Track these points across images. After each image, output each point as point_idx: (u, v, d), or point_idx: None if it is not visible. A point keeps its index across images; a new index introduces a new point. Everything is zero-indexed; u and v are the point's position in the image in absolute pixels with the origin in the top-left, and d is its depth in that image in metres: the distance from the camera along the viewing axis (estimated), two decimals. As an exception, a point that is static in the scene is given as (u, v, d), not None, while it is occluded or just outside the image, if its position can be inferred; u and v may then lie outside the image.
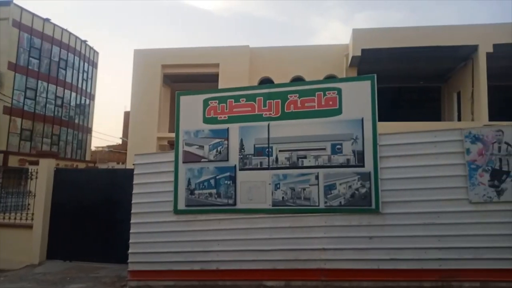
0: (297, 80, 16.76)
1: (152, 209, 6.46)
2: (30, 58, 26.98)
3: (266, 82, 17.30)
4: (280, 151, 6.20)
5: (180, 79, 19.28)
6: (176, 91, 6.97)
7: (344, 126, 5.99)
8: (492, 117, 14.04)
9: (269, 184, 6.13)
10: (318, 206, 5.86)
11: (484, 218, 5.35)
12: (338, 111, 6.04)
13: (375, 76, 5.98)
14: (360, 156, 5.84)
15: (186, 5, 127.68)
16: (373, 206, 5.66)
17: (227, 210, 6.21)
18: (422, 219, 5.52)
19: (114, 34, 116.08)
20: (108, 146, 40.91)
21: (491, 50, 14.33)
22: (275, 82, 16.34)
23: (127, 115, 40.07)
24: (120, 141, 40.44)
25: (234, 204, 6.21)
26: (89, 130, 34.51)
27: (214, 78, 17.49)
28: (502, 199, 5.33)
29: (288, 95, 6.31)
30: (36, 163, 9.08)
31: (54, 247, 8.54)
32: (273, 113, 6.30)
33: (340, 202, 5.80)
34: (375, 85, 5.94)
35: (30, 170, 8.95)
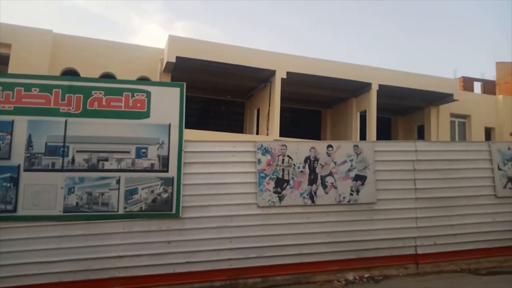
0: (107, 77, 15.78)
1: None
2: None
3: (70, 74, 15.59)
4: (77, 151, 5.67)
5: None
6: None
7: (151, 130, 5.94)
8: (282, 133, 16.44)
9: (62, 188, 5.51)
10: (117, 211, 5.58)
11: (268, 220, 6.13)
12: (146, 114, 5.95)
13: (185, 84, 6.17)
14: (165, 161, 5.88)
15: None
16: (174, 211, 5.76)
17: (6, 218, 5.25)
18: (217, 223, 5.92)
19: None
20: None
21: (285, 76, 16.82)
22: (82, 76, 14.97)
23: None
24: None
25: (15, 210, 5.31)
26: None
27: (4, 60, 14.73)
28: (282, 204, 6.22)
29: (93, 91, 5.86)
30: None
31: None
32: (72, 108, 5.73)
33: (141, 207, 5.68)
34: (184, 92, 6.13)
35: None
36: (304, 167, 6.43)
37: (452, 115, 20.45)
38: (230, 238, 5.93)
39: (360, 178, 6.57)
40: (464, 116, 20.95)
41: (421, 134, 20.33)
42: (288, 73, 16.75)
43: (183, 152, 5.95)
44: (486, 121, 21.04)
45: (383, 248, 6.46)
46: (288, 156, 6.42)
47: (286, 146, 6.47)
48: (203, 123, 17.13)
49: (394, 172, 6.73)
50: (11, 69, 14.41)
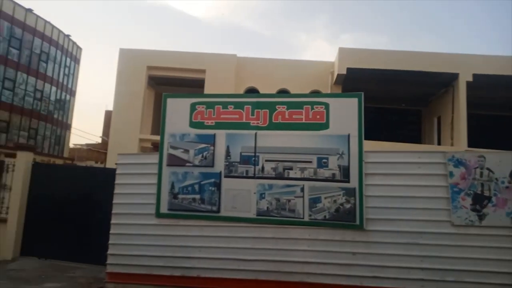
0: (283, 92, 16.92)
1: (134, 210, 6.31)
2: (10, 48, 26.24)
3: (252, 91, 17.40)
4: (266, 160, 6.19)
5: (165, 82, 19.16)
6: (163, 93, 6.88)
7: (331, 141, 6.04)
8: (470, 144, 14.50)
9: (254, 193, 6.10)
10: (303, 218, 5.86)
11: (465, 241, 5.44)
12: (325, 126, 6.09)
13: (362, 94, 6.08)
14: (345, 172, 5.89)
15: (173, 9, 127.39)
16: (357, 222, 5.69)
17: (210, 217, 6.12)
18: (406, 238, 5.57)
19: (98, 33, 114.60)
20: (87, 144, 39.98)
21: (470, 79, 14.87)
22: (261, 92, 16.44)
23: (108, 114, 39.38)
24: (100, 140, 39.62)
25: (218, 211, 6.14)
26: (68, 127, 33.68)
27: (200, 83, 17.46)
28: (483, 224, 5.45)
29: (276, 106, 6.33)
30: (13, 155, 8.74)
31: (29, 244, 8.21)
32: (260, 122, 6.30)
33: (325, 216, 5.81)
34: (362, 102, 6.04)
35: (6, 163, 8.61)
36: (510, 182, 5.49)
37: None
38: (421, 256, 5.49)
39: None
40: None
41: None
42: (475, 75, 14.76)
43: (363, 162, 5.85)
44: None
45: None
46: (487, 169, 5.59)
47: (484, 157, 5.66)
48: (375, 134, 16.52)
49: None
50: (206, 91, 16.93)
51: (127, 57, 17.76)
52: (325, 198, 5.87)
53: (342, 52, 16.27)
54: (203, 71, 17.55)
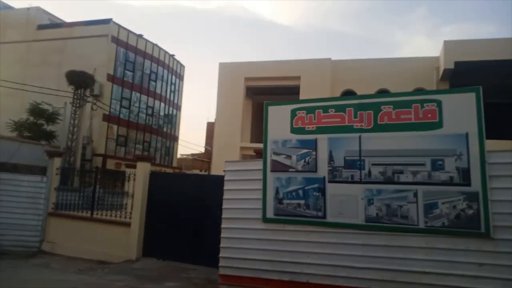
0: (383, 92, 16.14)
1: (242, 215, 6.56)
2: (125, 71, 29.49)
3: (349, 94, 16.92)
4: (373, 164, 5.92)
5: (262, 92, 19.69)
6: (264, 102, 7.04)
7: (446, 141, 5.54)
8: None
9: (362, 198, 5.87)
10: (418, 225, 5.44)
11: None
12: (438, 125, 5.61)
13: (480, 88, 5.48)
14: (465, 174, 5.34)
15: (265, 20, 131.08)
16: (483, 230, 5.10)
17: (317, 223, 6.05)
18: (545, 249, 4.83)
19: (197, 48, 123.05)
20: (192, 154, 43.03)
21: None
22: (359, 94, 15.90)
23: (209, 125, 41.97)
24: (203, 150, 42.36)
25: (324, 217, 6.04)
26: (175, 138, 36.63)
27: (295, 90, 17.58)
28: None
29: (381, 106, 6.03)
30: (132, 166, 9.75)
31: (149, 245, 9.05)
32: (364, 124, 6.06)
33: (443, 223, 5.32)
34: (480, 97, 5.45)
35: (127, 173, 9.67)
36: None
37: None
38: None
39: None
40: None
41: None
42: None
43: (486, 163, 5.23)
44: None
45: None
46: None
47: None
48: (493, 132, 14.75)
49: None
50: (301, 97, 16.96)
51: (226, 71, 18.72)
52: (443, 203, 5.38)
53: (448, 45, 14.97)
54: (298, 78, 17.67)
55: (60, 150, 18.04)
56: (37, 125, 23.72)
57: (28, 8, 30.18)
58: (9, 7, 32.15)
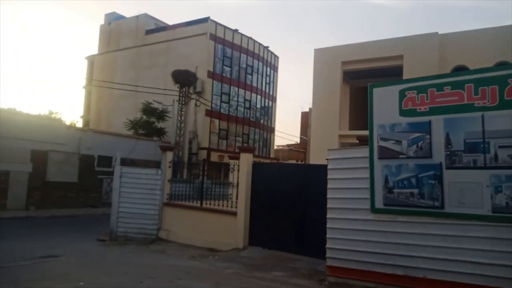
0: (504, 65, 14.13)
1: (348, 205, 6.31)
2: (224, 66, 30.76)
3: (461, 70, 15.17)
4: (500, 147, 5.18)
5: (360, 76, 18.77)
6: (368, 84, 6.61)
7: None
8: None
9: (487, 186, 5.17)
10: (562, 217, 4.61)
11: None
12: None
13: None
14: None
15: (357, 1, 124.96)
16: None
17: (433, 213, 5.52)
18: None
19: (290, 37, 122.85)
20: (288, 145, 43.39)
21: None
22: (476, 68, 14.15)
23: (304, 115, 41.78)
24: (298, 140, 42.37)
25: (442, 207, 5.48)
26: (272, 130, 37.28)
27: (396, 71, 16.34)
28: None
29: (509, 80, 5.23)
30: (234, 158, 10.04)
31: (254, 234, 9.28)
32: (488, 102, 5.32)
33: None
34: None
35: (231, 164, 10.03)
36: None
37: None
38: None
39: None
40: None
41: None
42: None
43: None
44: None
45: None
46: None
47: None
48: None
49: None
50: (405, 77, 15.71)
51: (322, 56, 18.22)
52: None
53: None
54: (401, 57, 16.37)
55: (171, 145, 19.65)
56: (149, 123, 26.24)
57: (137, 16, 33.34)
58: (122, 17, 35.82)
